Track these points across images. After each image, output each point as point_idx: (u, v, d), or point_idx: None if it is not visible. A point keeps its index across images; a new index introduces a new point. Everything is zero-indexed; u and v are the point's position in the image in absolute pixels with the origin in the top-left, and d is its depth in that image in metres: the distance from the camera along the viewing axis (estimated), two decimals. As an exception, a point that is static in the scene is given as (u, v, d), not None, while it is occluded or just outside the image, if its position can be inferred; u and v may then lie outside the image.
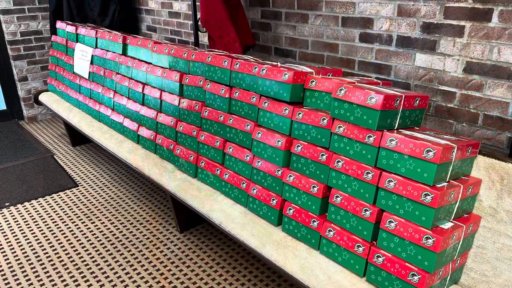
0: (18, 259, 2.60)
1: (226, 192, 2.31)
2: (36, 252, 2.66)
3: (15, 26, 4.74)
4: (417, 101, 1.71)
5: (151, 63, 2.89)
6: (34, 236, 2.82)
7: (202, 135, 2.42)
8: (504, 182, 1.61)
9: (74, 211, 3.10)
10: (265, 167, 2.05)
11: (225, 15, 2.96)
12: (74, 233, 2.84)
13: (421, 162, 1.47)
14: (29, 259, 2.59)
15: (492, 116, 2.11)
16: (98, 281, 2.40)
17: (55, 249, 2.68)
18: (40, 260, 2.59)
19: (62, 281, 2.41)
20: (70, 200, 3.26)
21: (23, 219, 3.03)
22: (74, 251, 2.66)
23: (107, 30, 3.61)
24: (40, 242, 2.75)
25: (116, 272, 2.47)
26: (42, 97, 4.29)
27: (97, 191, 3.39)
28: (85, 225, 2.93)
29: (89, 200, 3.26)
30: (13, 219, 3.03)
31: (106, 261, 2.57)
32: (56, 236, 2.81)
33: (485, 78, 2.10)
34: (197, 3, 3.43)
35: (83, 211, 3.10)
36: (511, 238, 1.58)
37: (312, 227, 1.84)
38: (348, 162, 1.69)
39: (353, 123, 1.66)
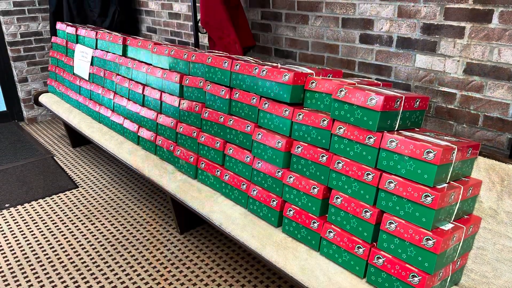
0: (18, 260, 2.59)
1: (226, 193, 2.31)
2: (36, 253, 2.66)
3: (15, 27, 4.74)
4: (418, 102, 1.71)
5: (151, 64, 2.89)
6: (34, 237, 2.82)
7: (202, 136, 2.42)
8: (504, 184, 1.60)
9: (74, 212, 3.10)
10: (265, 168, 2.05)
11: (225, 16, 2.96)
12: (74, 234, 2.84)
13: (422, 163, 1.47)
14: (29, 260, 2.59)
15: (492, 117, 2.11)
16: (98, 282, 2.40)
17: (55, 250, 2.68)
18: (40, 261, 2.59)
19: (62, 282, 2.41)
20: (70, 201, 3.26)
21: (23, 220, 3.02)
22: (74, 252, 2.66)
23: (107, 31, 3.61)
24: (40, 243, 2.75)
25: (116, 274, 2.47)
26: (42, 98, 4.29)
27: (97, 192, 3.39)
28: (85, 226, 2.93)
29: (89, 201, 3.26)
30: (13, 220, 3.03)
31: (106, 262, 2.57)
32: (56, 237, 2.81)
33: (485, 79, 2.09)
34: (197, 4, 3.43)
35: (83, 212, 3.10)
36: (511, 239, 1.58)
37: (312, 228, 1.84)
38: (348, 163, 1.69)
39: (353, 124, 1.66)
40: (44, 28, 4.92)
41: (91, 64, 3.58)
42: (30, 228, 2.92)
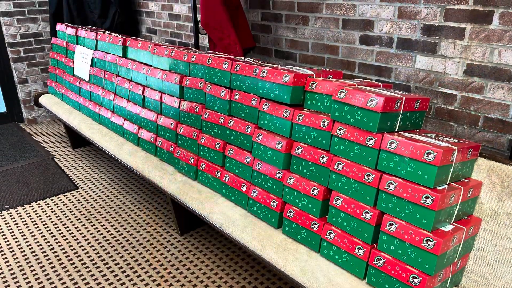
0: (18, 262, 2.59)
1: (226, 194, 2.30)
2: (36, 255, 2.65)
3: (15, 28, 4.74)
4: (418, 104, 1.71)
5: (151, 66, 2.89)
6: (34, 239, 2.81)
7: (202, 138, 2.42)
8: (504, 185, 1.60)
9: (74, 214, 3.10)
10: (265, 170, 2.05)
11: (225, 17, 2.96)
12: (74, 236, 2.84)
13: (422, 164, 1.47)
14: (29, 262, 2.59)
15: (492, 118, 2.11)
16: (98, 284, 2.40)
17: (55, 252, 2.68)
18: (40, 262, 2.58)
19: (62, 283, 2.41)
20: (70, 202, 3.26)
21: (23, 221, 3.02)
22: (74, 253, 2.66)
23: (107, 32, 3.61)
24: (40, 245, 2.75)
25: (117, 275, 2.47)
26: (42, 100, 4.30)
27: (97, 193, 3.39)
28: (85, 228, 2.92)
29: (89, 202, 3.25)
30: (13, 221, 3.02)
31: (106, 263, 2.57)
32: (56, 239, 2.81)
33: (485, 81, 2.09)
34: (197, 5, 3.43)
35: (83, 214, 3.10)
36: (511, 240, 1.58)
37: (313, 230, 1.84)
38: (348, 164, 1.68)
39: (354, 126, 1.66)
40: (44, 29, 4.93)
41: (91, 65, 3.58)
42: (30, 229, 2.92)
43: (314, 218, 1.84)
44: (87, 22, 4.66)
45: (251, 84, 2.11)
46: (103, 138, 3.27)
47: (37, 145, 4.39)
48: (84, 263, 2.57)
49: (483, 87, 2.11)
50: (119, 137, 3.22)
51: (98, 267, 2.54)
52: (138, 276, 2.45)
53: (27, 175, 3.72)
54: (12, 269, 2.53)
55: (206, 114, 2.39)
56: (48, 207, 3.20)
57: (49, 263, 2.57)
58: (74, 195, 3.36)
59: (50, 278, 2.45)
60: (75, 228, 2.93)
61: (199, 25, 3.25)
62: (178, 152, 2.60)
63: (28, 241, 2.79)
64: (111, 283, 2.40)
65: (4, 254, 2.67)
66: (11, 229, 2.93)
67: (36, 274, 2.49)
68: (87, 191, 3.42)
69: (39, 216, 3.08)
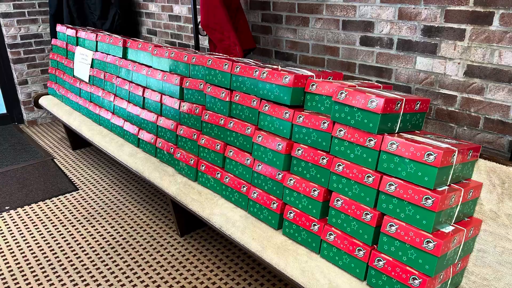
0: (18, 263, 2.59)
1: (226, 195, 2.30)
2: (36, 256, 2.65)
3: (15, 29, 4.75)
4: (418, 105, 1.71)
5: (151, 67, 2.89)
6: (34, 240, 2.81)
7: (203, 139, 2.42)
8: (505, 186, 1.60)
9: (74, 215, 3.10)
10: (265, 171, 2.05)
11: (225, 18, 2.96)
12: (74, 237, 2.84)
13: (422, 165, 1.47)
14: (29, 263, 2.59)
15: (493, 119, 2.11)
16: (98, 285, 2.40)
17: (55, 253, 2.67)
18: (40, 263, 2.58)
19: (62, 285, 2.40)
20: (70, 203, 3.26)
21: (23, 222, 3.02)
22: (74, 254, 2.66)
23: (107, 33, 3.62)
24: (40, 246, 2.75)
25: (117, 276, 2.46)
26: (42, 101, 4.30)
27: (97, 194, 3.39)
28: (85, 229, 2.92)
29: (89, 203, 3.25)
30: (13, 222, 3.02)
31: (106, 264, 2.56)
32: (56, 240, 2.81)
33: (486, 82, 2.09)
34: (197, 7, 3.43)
35: (83, 215, 3.10)
36: (512, 242, 1.58)
37: (313, 231, 1.84)
38: (348, 165, 1.68)
39: (354, 127, 1.66)
40: (44, 30, 4.93)
41: (91, 66, 3.58)
42: (30, 231, 2.92)
43: (314, 219, 1.84)
44: (87, 23, 4.66)
45: (251, 85, 2.11)
46: (103, 139, 3.27)
47: (37, 146, 4.39)
48: (84, 264, 2.57)
49: (483, 88, 2.11)
50: (119, 138, 3.22)
51: (98, 268, 2.54)
52: (138, 277, 2.45)
53: (27, 176, 3.72)
54: (12, 270, 2.53)
55: (206, 115, 2.39)
56: (48, 208, 3.20)
57: (49, 264, 2.57)
58: (74, 197, 3.36)
59: (50, 280, 2.45)
60: (75, 229, 2.92)
61: (199, 26, 3.26)
62: (178, 153, 2.59)
63: (28, 242, 2.79)
64: (111, 284, 2.40)
65: (4, 255, 2.67)
66: (11, 230, 2.93)
67: (36, 275, 2.49)
68: (87, 192, 3.42)
69: (39, 217, 3.08)
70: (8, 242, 2.80)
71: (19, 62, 4.85)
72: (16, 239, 2.83)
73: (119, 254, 2.65)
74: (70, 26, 4.09)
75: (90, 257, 2.63)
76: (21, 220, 3.05)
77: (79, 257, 2.64)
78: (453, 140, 1.67)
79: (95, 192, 3.41)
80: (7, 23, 4.69)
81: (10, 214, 3.13)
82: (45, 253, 2.68)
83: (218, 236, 2.82)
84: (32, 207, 3.22)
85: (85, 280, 2.44)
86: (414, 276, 1.50)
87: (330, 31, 2.76)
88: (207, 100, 2.39)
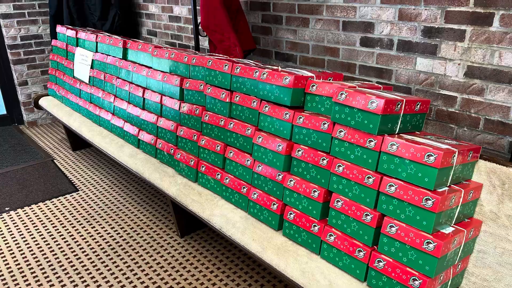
0: (18, 264, 2.59)
1: (226, 196, 2.30)
2: (36, 257, 2.65)
3: (15, 30, 4.75)
4: (418, 106, 1.71)
5: (151, 68, 2.89)
6: (34, 241, 2.81)
7: (203, 140, 2.42)
8: (505, 187, 1.60)
9: (74, 216, 3.10)
10: (265, 172, 2.05)
11: (226, 19, 2.96)
12: (74, 238, 2.83)
13: (422, 166, 1.47)
14: (29, 264, 2.59)
15: (493, 120, 2.11)
16: (98, 286, 2.39)
17: (55, 254, 2.67)
18: (40, 264, 2.58)
19: (62, 286, 2.40)
20: (70, 204, 3.26)
21: (23, 223, 3.02)
22: (74, 255, 2.66)
23: (107, 34, 3.62)
24: (40, 247, 2.75)
25: (117, 277, 2.46)
26: (42, 102, 4.30)
27: (97, 195, 3.38)
28: (85, 230, 2.92)
29: (89, 204, 3.25)
30: (13, 223, 3.02)
31: (106, 265, 2.56)
32: (56, 241, 2.81)
33: (486, 83, 2.09)
34: (197, 7, 3.43)
35: (83, 216, 3.10)
36: (512, 243, 1.57)
37: (313, 232, 1.84)
38: (349, 166, 1.68)
39: (354, 128, 1.65)
40: (44, 31, 4.93)
41: (91, 67, 3.58)
42: (30, 232, 2.92)
43: (314, 220, 1.84)
44: (87, 24, 4.66)
45: (251, 86, 2.11)
46: (103, 140, 3.27)
47: (37, 147, 4.39)
48: (84, 265, 2.57)
49: (483, 89, 2.11)
50: (119, 139, 3.22)
51: (99, 269, 2.53)
52: (139, 278, 2.45)
53: (27, 177, 3.71)
54: (12, 271, 2.53)
55: (206, 116, 2.39)
56: (48, 209, 3.20)
57: (49, 265, 2.57)
58: (74, 197, 3.36)
59: (50, 281, 2.45)
60: (75, 230, 2.92)
61: (200, 27, 3.26)
62: (178, 154, 2.59)
63: (28, 243, 2.79)
64: (112, 285, 2.40)
65: (4, 256, 2.66)
66: (11, 231, 2.93)
67: (36, 276, 2.48)
68: (87, 193, 3.42)
69: (39, 218, 3.08)
70: (8, 243, 2.80)
71: (19, 63, 4.85)
72: (16, 240, 2.83)
73: (119, 255, 2.65)
74: (70, 27, 4.09)
75: (90, 258, 2.63)
76: (21, 221, 3.05)
77: (79, 258, 2.63)
78: (453, 141, 1.67)
79: (95, 193, 3.41)
80: (7, 24, 4.69)
81: (10, 215, 3.13)
82: (45, 254, 2.68)
83: (218, 237, 2.82)
84: (32, 208, 3.22)
85: (85, 281, 2.44)
86: (414, 277, 1.50)
87: (330, 32, 2.76)
88: (207, 101, 2.39)
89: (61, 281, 2.44)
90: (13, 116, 5.09)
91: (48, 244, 2.78)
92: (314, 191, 1.82)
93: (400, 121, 1.65)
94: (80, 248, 2.72)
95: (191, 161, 2.50)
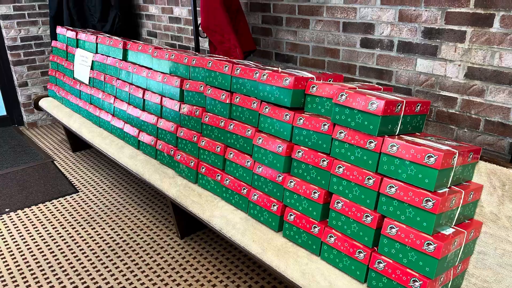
0: (18, 265, 2.59)
1: (226, 198, 2.30)
2: (36, 258, 2.65)
3: (15, 31, 4.75)
4: (419, 107, 1.71)
5: (151, 69, 2.89)
6: (34, 242, 2.81)
7: (203, 141, 2.42)
8: (505, 188, 1.60)
9: (74, 217, 3.10)
10: (266, 173, 2.05)
11: (226, 20, 2.96)
12: (75, 239, 2.83)
13: (423, 167, 1.47)
14: (29, 265, 2.58)
15: (493, 121, 2.11)
16: (98, 287, 2.39)
17: (55, 255, 2.67)
18: (40, 265, 2.58)
19: (62, 287, 2.40)
20: (70, 206, 3.26)
21: (23, 225, 3.02)
22: (74, 257, 2.65)
23: (107, 35, 3.62)
24: (40, 248, 2.74)
25: (117, 278, 2.46)
26: (42, 103, 4.30)
27: (97, 196, 3.38)
28: (85, 231, 2.92)
29: (89, 205, 3.25)
30: (13, 224, 3.02)
31: (106, 267, 2.56)
32: (56, 242, 2.80)
33: (486, 84, 2.09)
34: (197, 8, 3.43)
35: (83, 217, 3.09)
36: (513, 244, 1.57)
37: (313, 233, 1.84)
38: (349, 167, 1.68)
39: (354, 129, 1.65)
40: (44, 32, 4.93)
41: (91, 68, 3.59)
42: (30, 233, 2.91)
43: (314, 222, 1.84)
44: (87, 25, 4.67)
45: (251, 87, 2.11)
46: (103, 141, 3.27)
47: (37, 148, 4.39)
48: (84, 267, 2.56)
49: (484, 91, 2.11)
50: (119, 140, 3.22)
51: (99, 270, 2.53)
52: (139, 279, 2.45)
53: (27, 179, 3.71)
54: (12, 272, 2.53)
55: (206, 117, 2.39)
56: (48, 210, 3.20)
57: (49, 267, 2.57)
58: (74, 199, 3.36)
59: (50, 282, 2.44)
60: (75, 231, 2.92)
61: (200, 28, 3.26)
62: (179, 155, 2.59)
63: (28, 245, 2.78)
64: (112, 287, 2.40)
65: (4, 257, 2.66)
66: (11, 232, 2.93)
67: (36, 277, 2.48)
68: (87, 195, 3.42)
69: (39, 219, 3.08)
70: (8, 244, 2.80)
71: (19, 64, 4.85)
72: (16, 241, 2.83)
73: (119, 256, 2.65)
74: (70, 28, 4.09)
75: (90, 259, 2.63)
76: (21, 222, 3.05)
77: (79, 259, 2.63)
78: (453, 142, 1.67)
79: (95, 194, 3.41)
80: (7, 25, 4.69)
81: (10, 216, 3.13)
82: (45, 255, 2.68)
83: (218, 238, 2.82)
84: (32, 209, 3.22)
85: (85, 282, 2.44)
86: (414, 279, 1.50)
87: (331, 33, 2.76)
88: (207, 102, 2.39)
89: (61, 282, 2.44)
90: (13, 117, 5.09)
91: (48, 245, 2.77)
92: (314, 192, 1.82)
93: (400, 122, 1.65)
94: (80, 249, 2.72)
95: (191, 162, 2.50)
